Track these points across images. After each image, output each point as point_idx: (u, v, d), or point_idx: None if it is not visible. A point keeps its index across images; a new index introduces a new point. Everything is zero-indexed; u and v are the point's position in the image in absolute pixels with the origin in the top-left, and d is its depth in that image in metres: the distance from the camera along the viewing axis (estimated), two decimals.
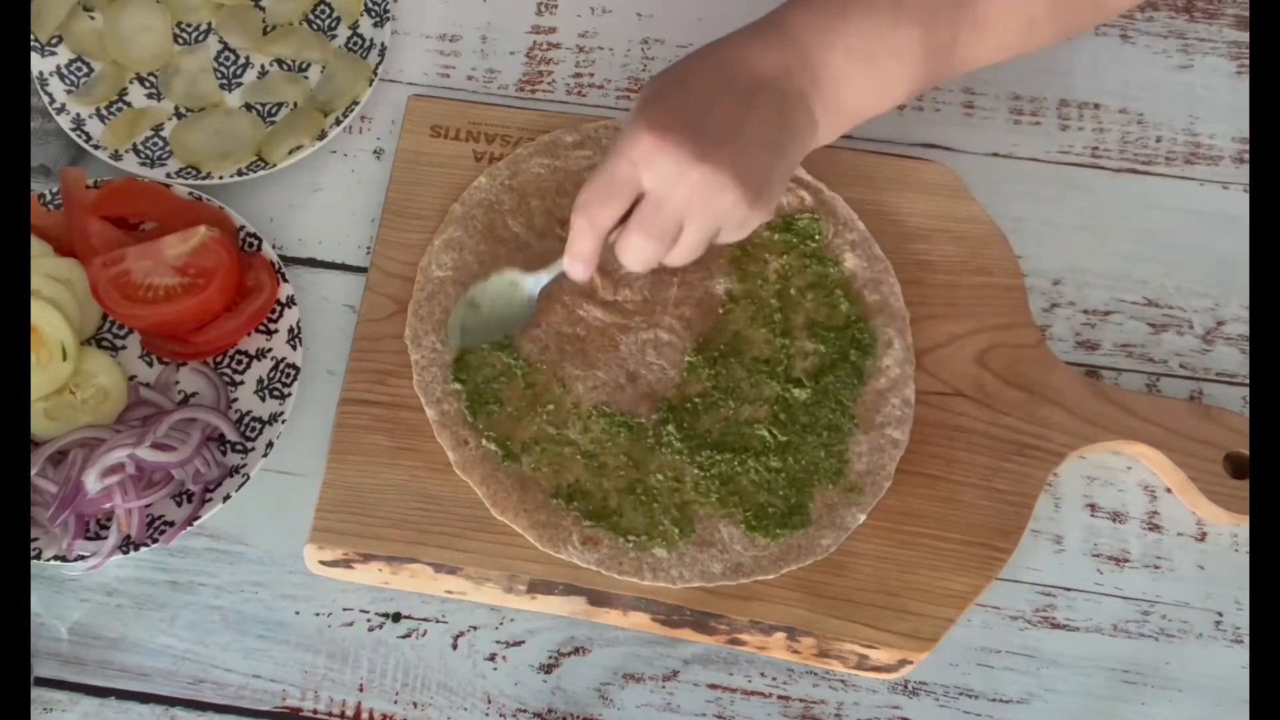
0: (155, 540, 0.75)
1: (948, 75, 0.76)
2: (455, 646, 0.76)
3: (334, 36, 0.93)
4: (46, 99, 0.88)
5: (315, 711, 0.75)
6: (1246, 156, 0.91)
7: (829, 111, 0.72)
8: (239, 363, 0.82)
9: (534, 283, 0.78)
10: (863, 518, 0.77)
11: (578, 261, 0.73)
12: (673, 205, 0.69)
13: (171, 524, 0.76)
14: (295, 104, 0.90)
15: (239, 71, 0.92)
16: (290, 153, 0.87)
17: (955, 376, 0.81)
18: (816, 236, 0.84)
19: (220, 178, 0.86)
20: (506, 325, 0.80)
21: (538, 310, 0.81)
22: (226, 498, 0.76)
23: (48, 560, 0.74)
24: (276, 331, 0.82)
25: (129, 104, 0.90)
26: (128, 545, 0.75)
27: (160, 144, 0.88)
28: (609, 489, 0.77)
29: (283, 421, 0.78)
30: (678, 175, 0.67)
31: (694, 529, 0.76)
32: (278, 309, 0.82)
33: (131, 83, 0.91)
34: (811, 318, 0.82)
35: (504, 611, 0.77)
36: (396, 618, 0.77)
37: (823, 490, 0.77)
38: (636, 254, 0.71)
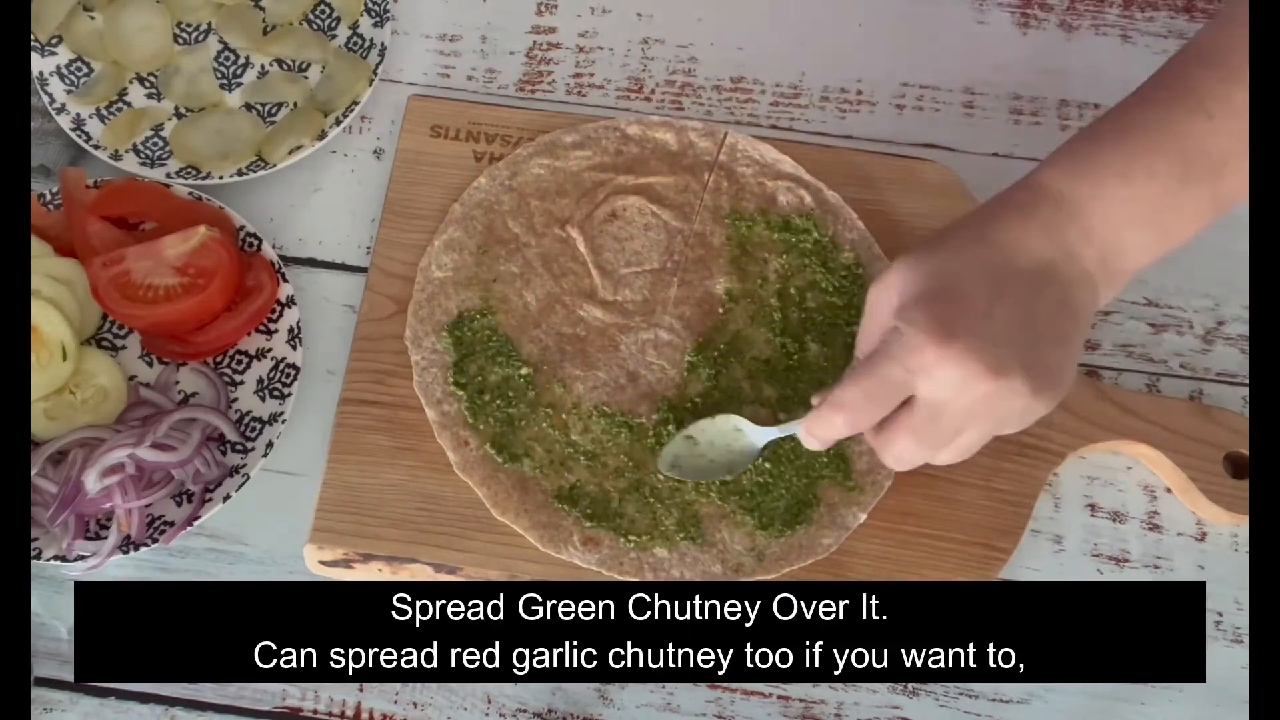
0: (155, 540, 0.75)
1: (1224, 211, 0.69)
2: None
3: (334, 36, 0.93)
4: (46, 99, 0.88)
5: (315, 711, 0.75)
6: None
7: (1112, 281, 0.67)
8: (239, 363, 0.82)
9: (760, 436, 0.75)
10: (863, 517, 0.77)
11: (821, 444, 0.70)
12: (953, 414, 0.65)
13: (171, 524, 0.76)
14: (295, 104, 0.90)
15: (239, 71, 0.92)
16: (290, 153, 0.87)
17: None
18: (816, 236, 0.84)
19: (220, 178, 0.86)
20: (721, 469, 0.76)
21: (539, 310, 0.81)
22: (226, 498, 0.76)
23: (48, 560, 0.74)
24: (276, 331, 0.82)
25: (129, 104, 0.90)
26: (128, 545, 0.75)
27: (160, 144, 0.88)
28: (610, 489, 0.77)
29: (283, 421, 0.78)
30: (964, 387, 0.63)
31: (699, 529, 0.76)
32: (278, 309, 0.82)
33: (131, 83, 0.91)
34: (811, 318, 0.82)
35: None
36: None
37: (828, 487, 0.77)
38: (902, 455, 0.67)
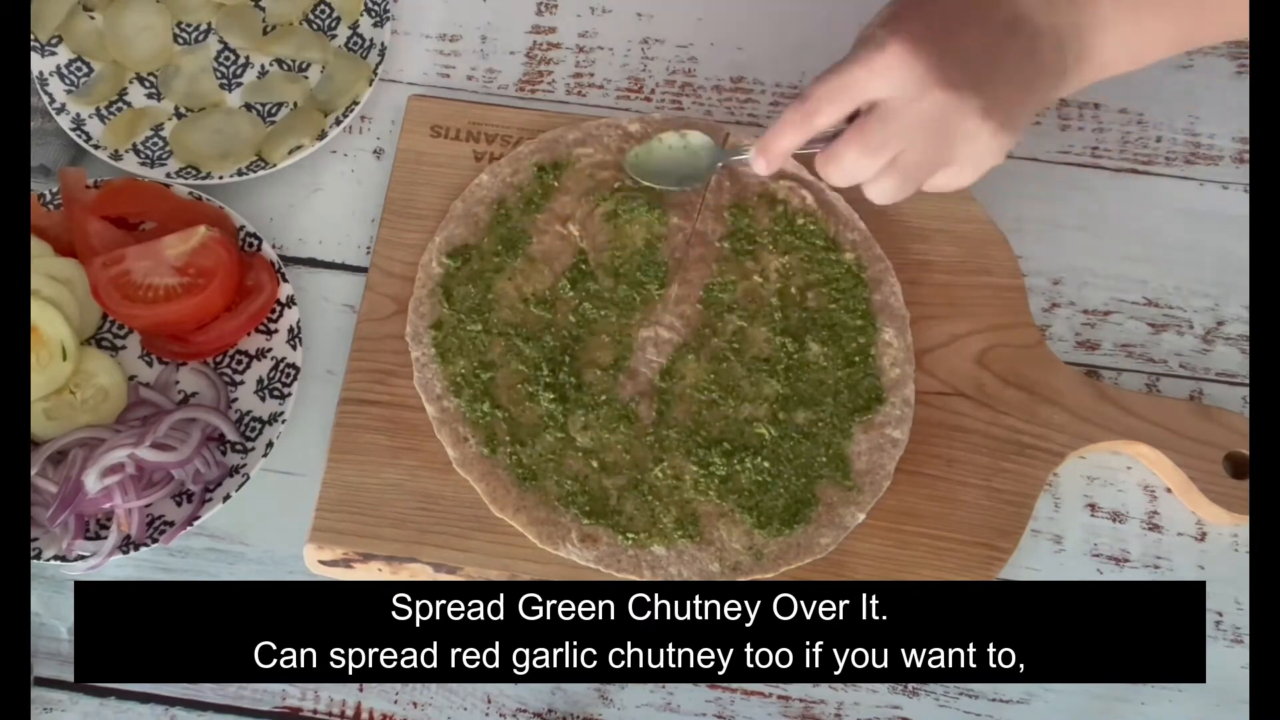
0: (155, 540, 0.75)
1: (1203, 41, 0.74)
2: None
3: (334, 36, 0.93)
4: (46, 99, 0.88)
5: (315, 711, 0.75)
6: (1246, 156, 0.91)
7: (1082, 61, 0.69)
8: (239, 363, 0.82)
9: (717, 155, 0.82)
10: (862, 517, 0.77)
11: (769, 157, 0.72)
12: (904, 122, 0.66)
13: (171, 524, 0.76)
14: (295, 104, 0.90)
15: (239, 71, 0.92)
16: (290, 153, 0.87)
17: (955, 376, 0.81)
18: (818, 236, 0.84)
19: (220, 178, 0.86)
20: (672, 179, 0.83)
21: (538, 314, 0.82)
22: (226, 498, 0.76)
23: (48, 560, 0.74)
24: (276, 331, 0.82)
25: (129, 104, 0.90)
26: (128, 545, 0.75)
27: (160, 144, 0.88)
28: (609, 487, 0.77)
29: (283, 421, 0.78)
30: (919, 91, 0.65)
31: (696, 528, 0.76)
32: (278, 309, 0.82)
33: (131, 83, 0.91)
34: (812, 317, 0.82)
35: None
36: None
37: (827, 486, 0.77)
38: (846, 168, 0.69)
